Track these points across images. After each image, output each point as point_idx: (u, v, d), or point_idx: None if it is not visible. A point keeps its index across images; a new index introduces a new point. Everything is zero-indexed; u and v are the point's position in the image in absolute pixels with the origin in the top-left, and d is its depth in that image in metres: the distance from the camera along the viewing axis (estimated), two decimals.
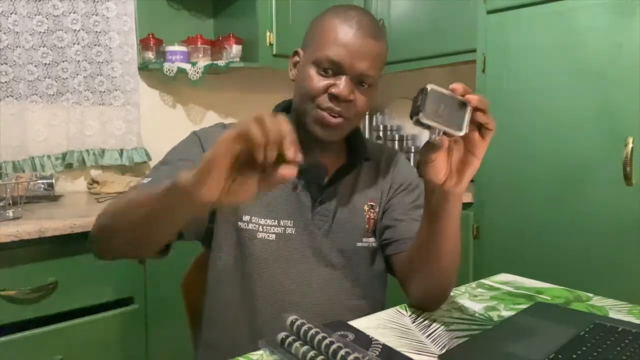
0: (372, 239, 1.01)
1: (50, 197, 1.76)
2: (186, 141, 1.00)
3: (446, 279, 0.89)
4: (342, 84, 0.89)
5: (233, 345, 0.95)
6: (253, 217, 0.95)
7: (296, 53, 0.99)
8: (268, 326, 0.92)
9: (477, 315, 0.90)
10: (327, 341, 0.66)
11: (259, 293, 0.95)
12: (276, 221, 0.96)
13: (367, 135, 2.68)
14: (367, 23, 0.92)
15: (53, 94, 1.91)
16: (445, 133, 0.67)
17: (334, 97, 0.90)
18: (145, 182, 0.90)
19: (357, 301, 0.99)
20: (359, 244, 1.00)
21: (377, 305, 1.03)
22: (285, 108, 1.04)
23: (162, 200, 0.68)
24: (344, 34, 0.89)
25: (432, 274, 0.88)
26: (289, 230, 0.96)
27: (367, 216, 1.01)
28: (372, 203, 1.02)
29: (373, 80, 0.93)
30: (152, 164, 2.16)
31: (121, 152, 2.06)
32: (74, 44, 1.93)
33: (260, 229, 0.95)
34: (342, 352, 0.64)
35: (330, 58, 0.89)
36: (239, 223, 0.96)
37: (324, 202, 0.98)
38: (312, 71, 0.91)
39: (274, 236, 0.95)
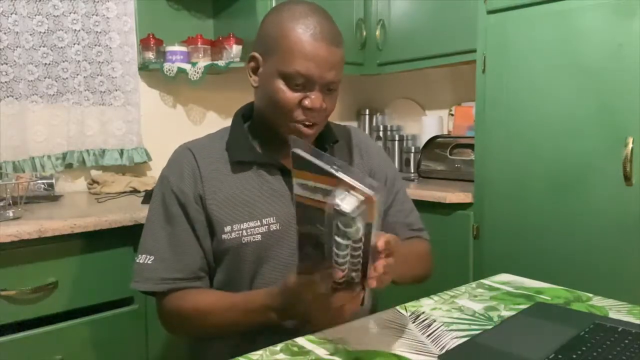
0: None
1: (50, 197, 1.76)
2: (164, 203, 0.98)
3: (416, 281, 1.05)
4: (314, 96, 0.91)
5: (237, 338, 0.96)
6: (234, 225, 0.95)
7: (253, 59, 0.97)
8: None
9: (477, 315, 0.90)
10: None
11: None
12: (258, 221, 0.95)
13: None
14: (328, 29, 0.91)
15: (53, 94, 1.91)
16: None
17: (307, 109, 0.91)
18: (149, 262, 0.95)
19: None
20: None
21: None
22: (246, 114, 1.05)
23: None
24: (310, 47, 0.89)
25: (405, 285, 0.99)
26: (273, 227, 0.96)
27: None
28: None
29: (338, 84, 0.95)
30: (152, 164, 2.16)
31: (121, 152, 2.06)
32: (74, 44, 1.93)
33: (244, 234, 0.95)
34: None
35: (302, 74, 0.89)
36: (223, 236, 0.95)
37: None
38: (282, 85, 0.91)
39: (259, 237, 0.95)
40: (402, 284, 0.97)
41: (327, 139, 1.05)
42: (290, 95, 0.91)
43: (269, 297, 0.86)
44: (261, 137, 1.02)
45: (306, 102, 0.91)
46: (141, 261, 0.96)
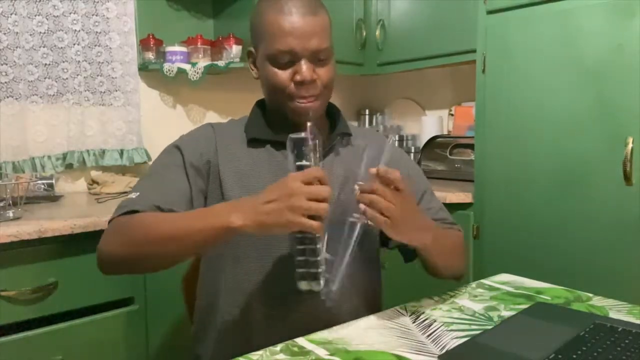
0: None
1: (50, 197, 1.76)
2: (167, 151, 1.03)
3: (453, 273, 1.05)
4: (302, 69, 0.94)
5: (246, 325, 0.96)
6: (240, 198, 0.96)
7: (250, 53, 1.04)
8: (288, 294, 0.94)
9: (477, 315, 0.90)
10: None
11: (261, 269, 0.96)
12: None
13: None
14: (300, 1, 0.94)
15: (53, 95, 1.91)
16: None
17: (300, 83, 0.94)
18: (133, 196, 0.94)
19: (357, 273, 0.98)
20: (351, 219, 0.97)
21: (374, 285, 1.07)
22: (261, 104, 1.10)
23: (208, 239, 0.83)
24: (284, 23, 0.92)
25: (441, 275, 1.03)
26: None
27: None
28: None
29: (328, 52, 0.96)
30: None
31: (121, 152, 2.06)
32: (74, 44, 1.93)
33: None
34: None
35: (282, 50, 0.93)
36: None
37: None
38: (271, 67, 0.96)
39: None
40: (439, 270, 1.00)
41: (338, 128, 1.06)
42: (281, 75, 0.95)
43: (235, 202, 0.87)
44: (273, 121, 1.05)
45: (297, 77, 0.94)
46: (127, 196, 0.96)
